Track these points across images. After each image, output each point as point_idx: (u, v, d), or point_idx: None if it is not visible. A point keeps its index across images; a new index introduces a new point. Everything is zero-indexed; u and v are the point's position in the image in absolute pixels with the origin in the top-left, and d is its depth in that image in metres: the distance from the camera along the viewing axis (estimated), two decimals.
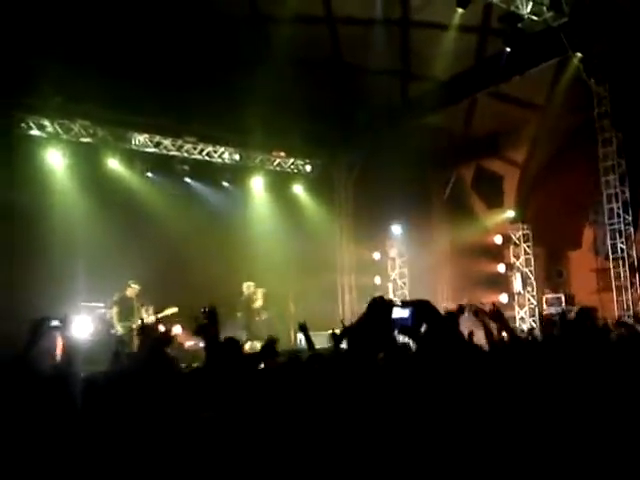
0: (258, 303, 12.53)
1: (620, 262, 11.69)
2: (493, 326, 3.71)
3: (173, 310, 11.27)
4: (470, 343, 3.08)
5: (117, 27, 11.50)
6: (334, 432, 2.48)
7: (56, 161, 12.84)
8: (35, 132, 12.79)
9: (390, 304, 2.50)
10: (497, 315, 3.72)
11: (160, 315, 11.27)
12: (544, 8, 10.99)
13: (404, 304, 2.53)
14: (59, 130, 12.99)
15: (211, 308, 3.96)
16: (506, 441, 2.37)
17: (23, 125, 12.63)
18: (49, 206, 12.12)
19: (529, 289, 15.05)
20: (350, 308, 16.23)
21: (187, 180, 14.63)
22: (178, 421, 2.71)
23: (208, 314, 3.92)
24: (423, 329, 2.41)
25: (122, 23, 11.46)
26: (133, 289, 11.45)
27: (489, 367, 2.62)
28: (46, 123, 12.85)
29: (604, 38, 11.05)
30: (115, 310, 11.24)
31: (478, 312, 3.66)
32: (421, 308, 2.45)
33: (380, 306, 2.44)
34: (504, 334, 3.68)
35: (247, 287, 12.75)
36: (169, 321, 11.49)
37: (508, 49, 11.38)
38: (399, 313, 2.49)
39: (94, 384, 3.31)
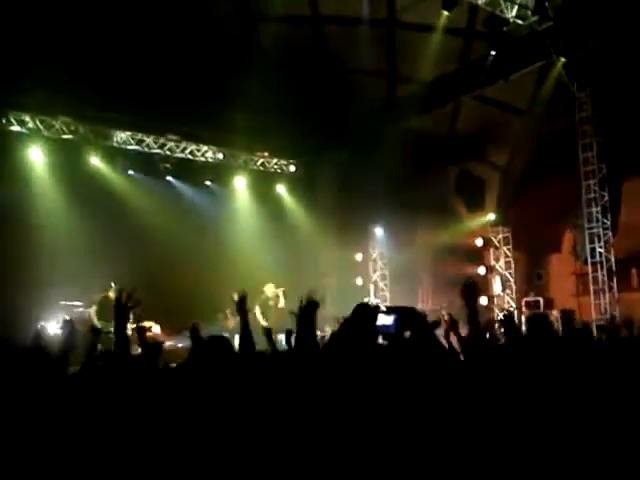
0: (281, 303, 12.38)
1: (598, 266, 11.81)
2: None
3: (150, 324, 11.23)
4: (447, 348, 3.07)
5: (101, 24, 11.38)
6: (316, 431, 2.47)
7: (37, 158, 12.69)
8: (16, 128, 12.64)
9: (375, 310, 2.49)
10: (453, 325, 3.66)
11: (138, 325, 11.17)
12: (529, 12, 11.05)
13: (389, 310, 2.52)
14: (40, 126, 12.85)
15: (242, 294, 3.73)
16: (485, 446, 2.38)
17: (3, 120, 12.47)
18: (29, 203, 11.99)
19: (508, 292, 15.15)
20: (330, 308, 16.17)
21: (169, 179, 14.54)
22: (160, 417, 2.67)
23: (239, 301, 3.73)
24: (407, 335, 2.41)
25: (107, 21, 11.35)
26: (115, 291, 11.33)
27: (470, 373, 2.63)
28: (27, 119, 12.70)
29: (588, 43, 11.15)
30: (94, 309, 11.10)
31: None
32: (405, 315, 2.45)
33: (365, 312, 2.43)
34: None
35: (268, 288, 12.59)
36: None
37: (493, 52, 11.43)
38: (383, 320, 2.49)
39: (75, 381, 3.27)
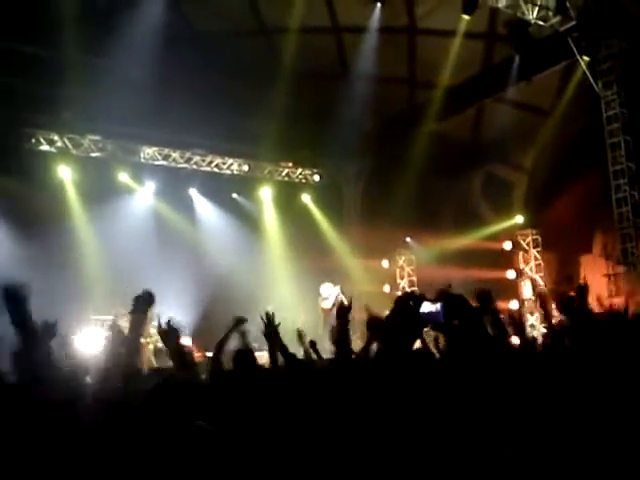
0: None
1: (631, 267, 11.60)
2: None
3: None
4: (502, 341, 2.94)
5: None
6: (349, 440, 2.40)
7: (66, 176, 12.90)
8: (45, 147, 12.86)
9: (420, 298, 2.46)
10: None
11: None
12: (550, 13, 11.01)
13: (436, 298, 2.50)
14: (69, 145, 13.06)
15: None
16: (533, 441, 2.31)
17: (33, 140, 12.70)
18: (60, 221, 12.18)
19: None
20: (358, 316, 16.10)
21: (195, 192, 14.69)
22: (168, 430, 2.55)
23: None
24: (455, 324, 2.37)
25: None
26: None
27: (520, 367, 2.56)
28: (55, 138, 12.92)
29: (611, 41, 11.04)
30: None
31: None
32: (453, 303, 2.42)
33: (409, 301, 2.40)
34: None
35: (325, 288, 12.36)
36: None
37: (517, 58, 11.37)
38: (429, 308, 2.46)
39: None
